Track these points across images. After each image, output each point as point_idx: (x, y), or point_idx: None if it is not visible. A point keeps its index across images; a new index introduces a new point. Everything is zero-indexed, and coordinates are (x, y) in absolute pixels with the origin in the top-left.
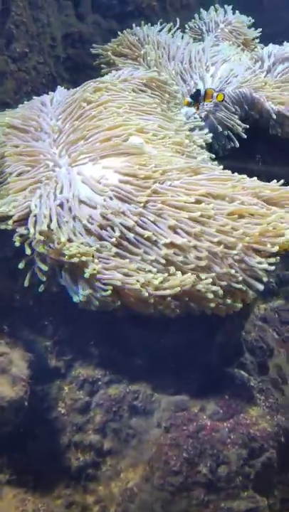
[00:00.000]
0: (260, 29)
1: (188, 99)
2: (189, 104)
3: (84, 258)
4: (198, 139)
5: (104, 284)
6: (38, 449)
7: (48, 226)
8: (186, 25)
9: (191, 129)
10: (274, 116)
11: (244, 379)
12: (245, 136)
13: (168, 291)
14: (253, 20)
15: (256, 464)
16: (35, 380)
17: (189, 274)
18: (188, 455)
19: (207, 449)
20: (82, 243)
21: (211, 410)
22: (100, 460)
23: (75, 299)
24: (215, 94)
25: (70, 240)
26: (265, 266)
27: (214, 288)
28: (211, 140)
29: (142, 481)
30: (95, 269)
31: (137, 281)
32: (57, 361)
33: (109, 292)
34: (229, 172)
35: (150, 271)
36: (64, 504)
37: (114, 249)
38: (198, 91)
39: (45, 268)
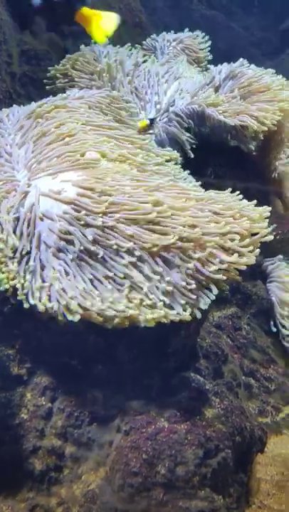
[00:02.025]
0: (206, 38)
1: (148, 121)
2: (145, 128)
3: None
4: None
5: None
6: (1, 455)
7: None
8: (140, 43)
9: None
10: (226, 128)
11: (200, 383)
12: (193, 155)
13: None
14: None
15: (212, 463)
16: None
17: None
18: (147, 456)
19: (165, 450)
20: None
21: (169, 413)
22: (62, 464)
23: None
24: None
25: (27, 253)
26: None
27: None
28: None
29: (103, 483)
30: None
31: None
32: (19, 369)
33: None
34: (184, 185)
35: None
36: (28, 507)
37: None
38: (153, 119)
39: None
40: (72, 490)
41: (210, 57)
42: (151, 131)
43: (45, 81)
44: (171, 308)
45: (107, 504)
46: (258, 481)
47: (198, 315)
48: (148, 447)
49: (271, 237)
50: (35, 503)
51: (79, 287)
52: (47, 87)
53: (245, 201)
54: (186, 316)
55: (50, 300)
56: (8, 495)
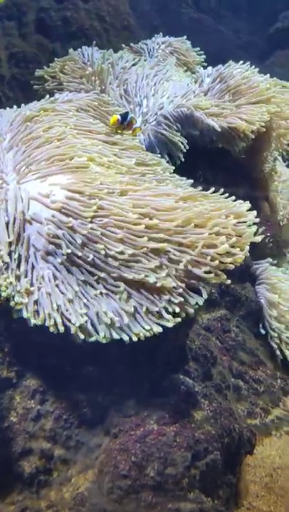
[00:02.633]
0: (197, 49)
1: (118, 116)
2: (115, 123)
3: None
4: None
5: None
6: None
7: None
8: (129, 46)
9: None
10: (215, 131)
11: (189, 385)
12: (183, 158)
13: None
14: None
15: (201, 465)
16: None
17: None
18: (136, 459)
19: (154, 453)
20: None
21: (158, 415)
22: (51, 466)
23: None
24: (134, 126)
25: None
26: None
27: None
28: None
29: (93, 486)
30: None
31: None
32: (8, 372)
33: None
34: (172, 188)
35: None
36: (17, 510)
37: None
38: (126, 113)
39: None
40: (62, 493)
41: (202, 60)
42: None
43: (32, 82)
44: (160, 314)
45: (96, 506)
46: (247, 483)
47: (191, 312)
48: (137, 450)
49: (260, 238)
50: (25, 506)
51: (65, 295)
52: (35, 86)
53: (233, 201)
54: (170, 324)
55: (36, 306)
56: None
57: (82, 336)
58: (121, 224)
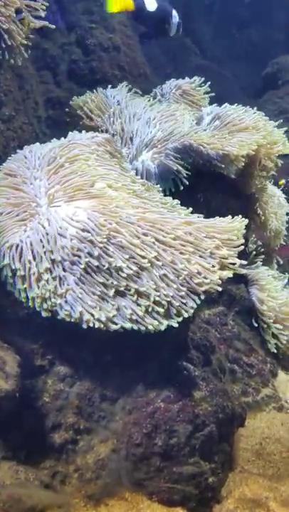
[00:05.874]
0: (203, 89)
1: None
2: None
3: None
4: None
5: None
6: (27, 430)
7: (29, 259)
8: (143, 90)
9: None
10: (214, 159)
11: (190, 370)
12: (188, 183)
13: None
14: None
15: (200, 436)
16: (24, 376)
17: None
18: (146, 431)
19: (161, 426)
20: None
21: (164, 395)
22: (77, 437)
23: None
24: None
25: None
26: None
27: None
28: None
29: (111, 453)
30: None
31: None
32: (41, 361)
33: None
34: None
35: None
36: (49, 474)
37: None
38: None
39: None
40: (86, 459)
41: (206, 100)
42: None
43: (65, 117)
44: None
45: (114, 470)
46: (240, 450)
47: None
48: (147, 423)
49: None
50: (56, 470)
51: (91, 296)
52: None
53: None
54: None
55: (61, 307)
56: (34, 464)
57: (114, 327)
58: (130, 242)
